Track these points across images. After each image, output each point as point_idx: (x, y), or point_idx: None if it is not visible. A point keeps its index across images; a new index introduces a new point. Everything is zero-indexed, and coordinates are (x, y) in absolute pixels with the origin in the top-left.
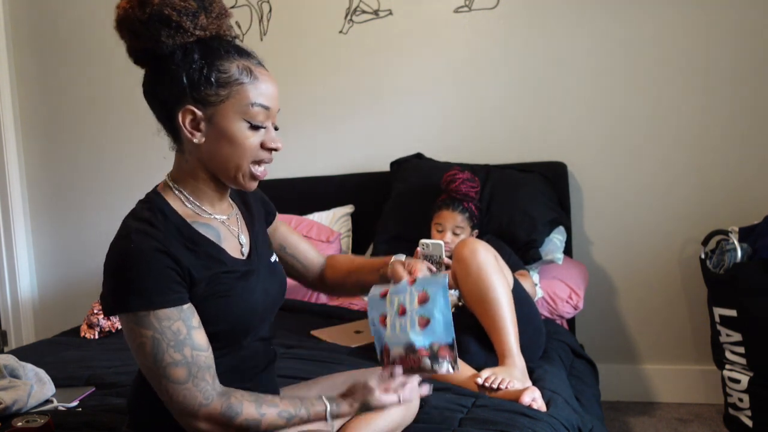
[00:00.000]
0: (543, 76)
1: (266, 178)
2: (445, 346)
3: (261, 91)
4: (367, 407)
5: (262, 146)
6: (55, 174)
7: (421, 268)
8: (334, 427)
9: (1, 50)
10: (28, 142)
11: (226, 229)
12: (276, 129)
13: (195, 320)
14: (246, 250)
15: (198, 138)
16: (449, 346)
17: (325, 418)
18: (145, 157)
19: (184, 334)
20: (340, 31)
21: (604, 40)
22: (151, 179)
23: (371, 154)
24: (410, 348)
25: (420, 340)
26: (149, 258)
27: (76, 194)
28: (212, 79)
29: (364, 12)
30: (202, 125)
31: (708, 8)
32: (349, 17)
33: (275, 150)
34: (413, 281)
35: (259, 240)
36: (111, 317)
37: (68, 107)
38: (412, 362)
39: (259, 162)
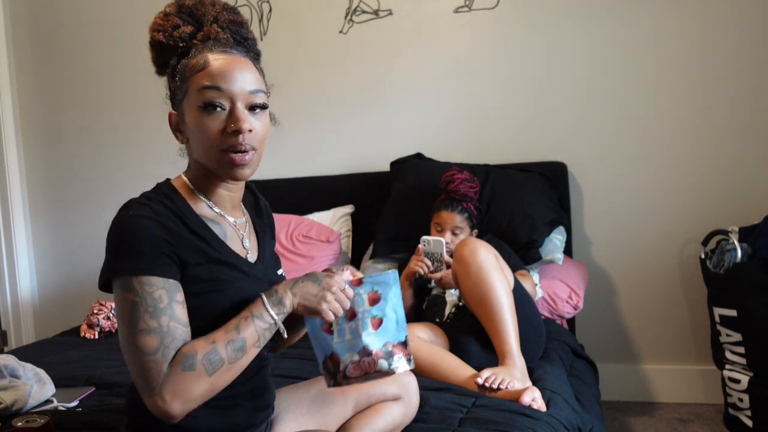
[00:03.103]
0: (543, 76)
1: (266, 178)
2: (399, 344)
3: (210, 73)
4: (306, 295)
5: (226, 131)
6: (55, 174)
7: (365, 268)
8: (332, 427)
9: (1, 50)
10: (28, 142)
11: (233, 231)
12: (255, 108)
13: (179, 296)
14: (252, 257)
15: (181, 138)
16: (402, 343)
17: (264, 304)
18: (145, 157)
19: (165, 303)
20: (340, 31)
21: (604, 40)
22: (151, 179)
23: (371, 154)
24: (365, 351)
25: (374, 341)
26: (144, 225)
27: (76, 194)
28: (176, 79)
29: (364, 12)
30: (181, 125)
31: (708, 9)
32: (349, 17)
33: (237, 131)
34: (358, 282)
35: (267, 253)
36: (112, 317)
37: (68, 107)
38: (366, 366)
39: (229, 148)
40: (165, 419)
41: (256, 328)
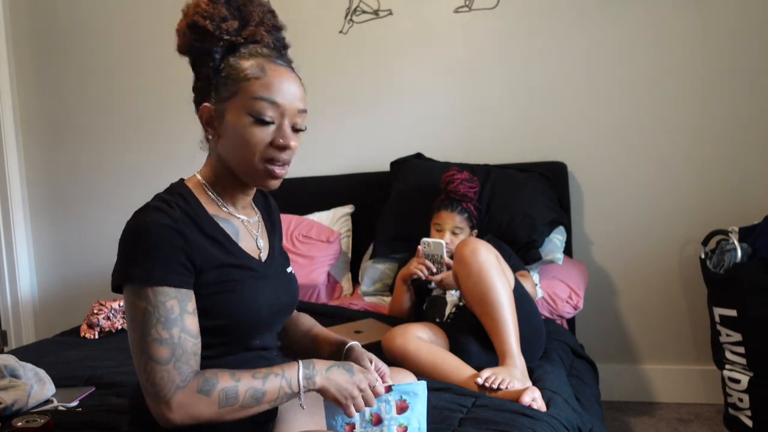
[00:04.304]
0: (543, 76)
1: None
2: None
3: (267, 85)
4: (337, 384)
5: (272, 144)
6: (55, 174)
7: (385, 370)
8: None
9: (1, 50)
10: (28, 142)
11: (245, 229)
12: (298, 130)
13: (190, 306)
14: (264, 255)
15: (212, 134)
16: None
17: (299, 373)
18: (145, 157)
19: (177, 313)
20: (340, 31)
21: (603, 40)
22: (151, 179)
23: (371, 154)
24: None
25: None
26: (161, 233)
27: (76, 194)
28: (223, 75)
29: (364, 12)
30: (216, 122)
31: (706, 9)
32: (349, 17)
33: (286, 148)
34: (388, 389)
35: (277, 250)
36: (112, 317)
37: (68, 107)
38: None
39: (271, 160)
40: (161, 423)
41: (280, 387)
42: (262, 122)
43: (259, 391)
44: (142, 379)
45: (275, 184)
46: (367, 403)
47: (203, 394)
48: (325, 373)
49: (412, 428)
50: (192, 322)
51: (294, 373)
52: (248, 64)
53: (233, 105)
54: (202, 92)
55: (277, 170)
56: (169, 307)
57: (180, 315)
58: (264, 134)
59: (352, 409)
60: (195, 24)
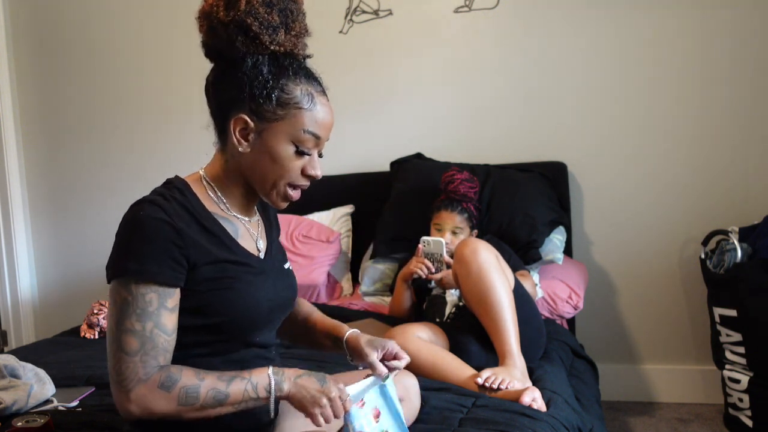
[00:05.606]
0: (543, 76)
1: None
2: None
3: (316, 119)
4: (304, 391)
5: (303, 172)
6: (55, 174)
7: (392, 349)
8: (332, 428)
9: (1, 50)
10: (28, 142)
11: (245, 229)
12: (320, 156)
13: (171, 302)
14: (262, 255)
15: (243, 147)
16: None
17: (267, 378)
18: (145, 157)
19: (154, 307)
20: (340, 31)
21: (603, 41)
22: (152, 178)
23: (371, 154)
24: None
25: None
26: (154, 227)
27: (76, 194)
28: (273, 96)
29: (364, 12)
30: (251, 136)
31: (706, 9)
32: (349, 17)
33: (314, 177)
34: (361, 404)
35: (275, 247)
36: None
37: (68, 107)
38: None
39: (295, 186)
40: (121, 413)
41: (245, 392)
42: (303, 153)
43: (221, 392)
44: (109, 365)
45: (286, 205)
46: (336, 414)
47: (163, 390)
48: (294, 379)
49: (395, 427)
50: (169, 319)
51: (261, 379)
52: (298, 91)
53: (277, 128)
54: (234, 100)
55: (295, 195)
56: (148, 300)
57: (157, 309)
58: (299, 163)
59: (319, 419)
60: (246, 26)
